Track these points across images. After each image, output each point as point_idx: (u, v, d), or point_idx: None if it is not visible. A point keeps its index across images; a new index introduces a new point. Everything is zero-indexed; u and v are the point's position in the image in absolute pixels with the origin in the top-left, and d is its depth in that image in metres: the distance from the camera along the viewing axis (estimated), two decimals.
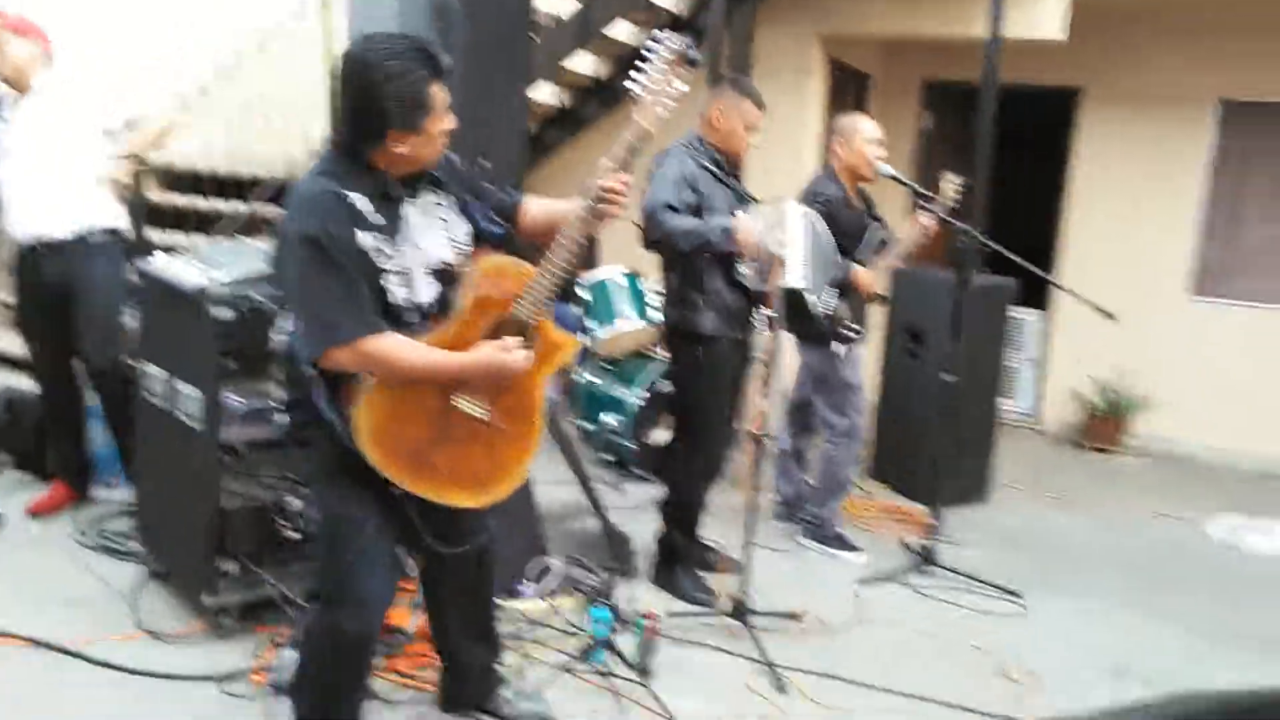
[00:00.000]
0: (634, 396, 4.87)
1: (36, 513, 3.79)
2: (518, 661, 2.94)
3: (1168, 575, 4.34)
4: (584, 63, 5.69)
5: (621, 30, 5.55)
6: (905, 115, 6.76)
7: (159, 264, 3.12)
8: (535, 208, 2.35)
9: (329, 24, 3.93)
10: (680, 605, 3.48)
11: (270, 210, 5.36)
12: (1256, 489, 5.86)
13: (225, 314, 2.80)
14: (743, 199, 3.51)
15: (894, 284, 4.79)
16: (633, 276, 5.05)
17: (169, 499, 3.14)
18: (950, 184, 3.94)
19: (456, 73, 3.24)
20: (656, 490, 4.75)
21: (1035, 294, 5.88)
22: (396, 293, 2.08)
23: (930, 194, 3.95)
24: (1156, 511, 5.22)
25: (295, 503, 3.09)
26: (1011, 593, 3.86)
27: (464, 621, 2.55)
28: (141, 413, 3.24)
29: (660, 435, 5.04)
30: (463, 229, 2.22)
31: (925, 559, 4.04)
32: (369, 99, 1.98)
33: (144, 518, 3.35)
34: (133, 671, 2.78)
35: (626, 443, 4.88)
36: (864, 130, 3.98)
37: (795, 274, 3.29)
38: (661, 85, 2.10)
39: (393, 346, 2.01)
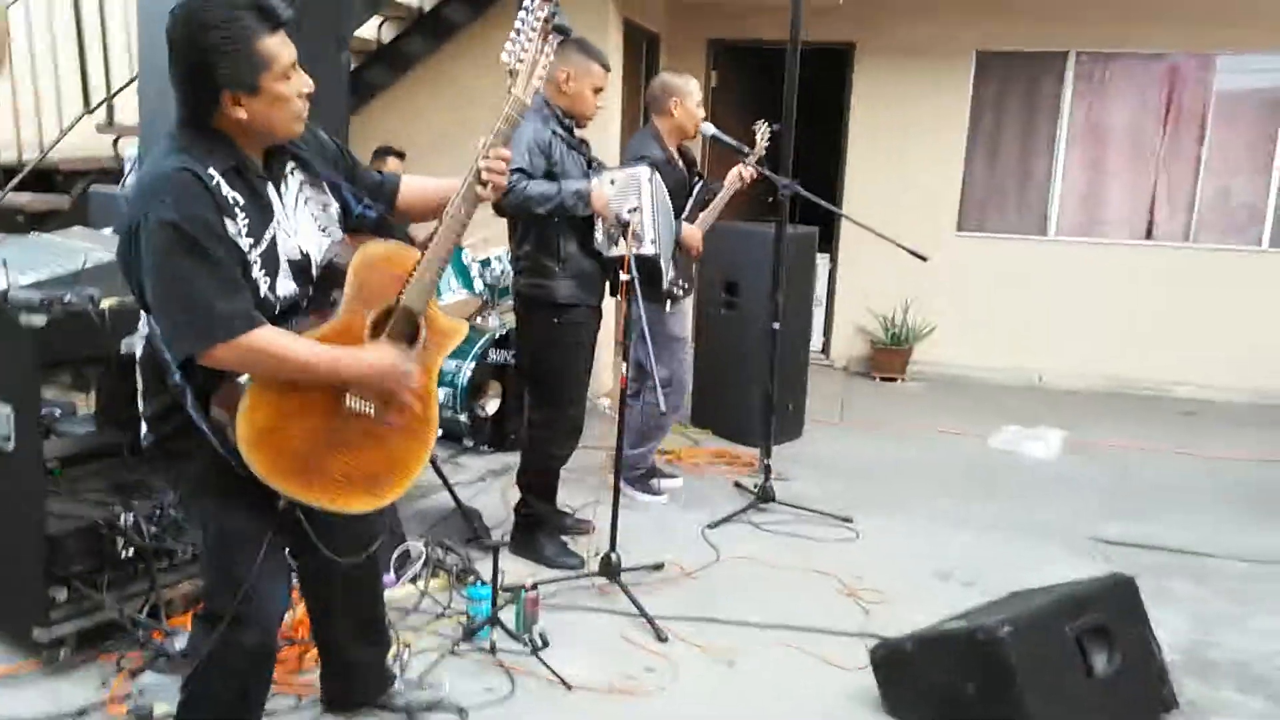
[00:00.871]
0: (464, 369, 4.78)
1: None
2: (398, 651, 2.86)
3: (966, 486, 4.81)
4: None
5: None
6: (694, 73, 6.90)
7: None
8: (412, 186, 2.24)
9: None
10: (547, 572, 3.50)
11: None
12: (1023, 402, 6.58)
13: (36, 320, 2.49)
14: (591, 164, 3.51)
15: (706, 239, 4.95)
16: (456, 248, 4.92)
17: None
18: (761, 134, 4.14)
19: None
20: (493, 461, 4.76)
21: (822, 240, 6.27)
22: (261, 284, 1.91)
23: (747, 148, 4.11)
24: (944, 430, 5.76)
25: (128, 517, 2.83)
26: (843, 519, 4.17)
27: (353, 623, 2.45)
28: None
29: (490, 405, 5.00)
30: (333, 213, 2.09)
31: (762, 497, 4.28)
32: (193, 57, 1.80)
33: None
34: None
35: (459, 415, 4.80)
36: (694, 91, 4.11)
37: (648, 240, 3.34)
38: (533, 55, 2.05)
39: (278, 341, 1.85)
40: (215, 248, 1.80)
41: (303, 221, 2.02)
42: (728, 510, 4.20)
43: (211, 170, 1.83)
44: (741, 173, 4.15)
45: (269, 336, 1.84)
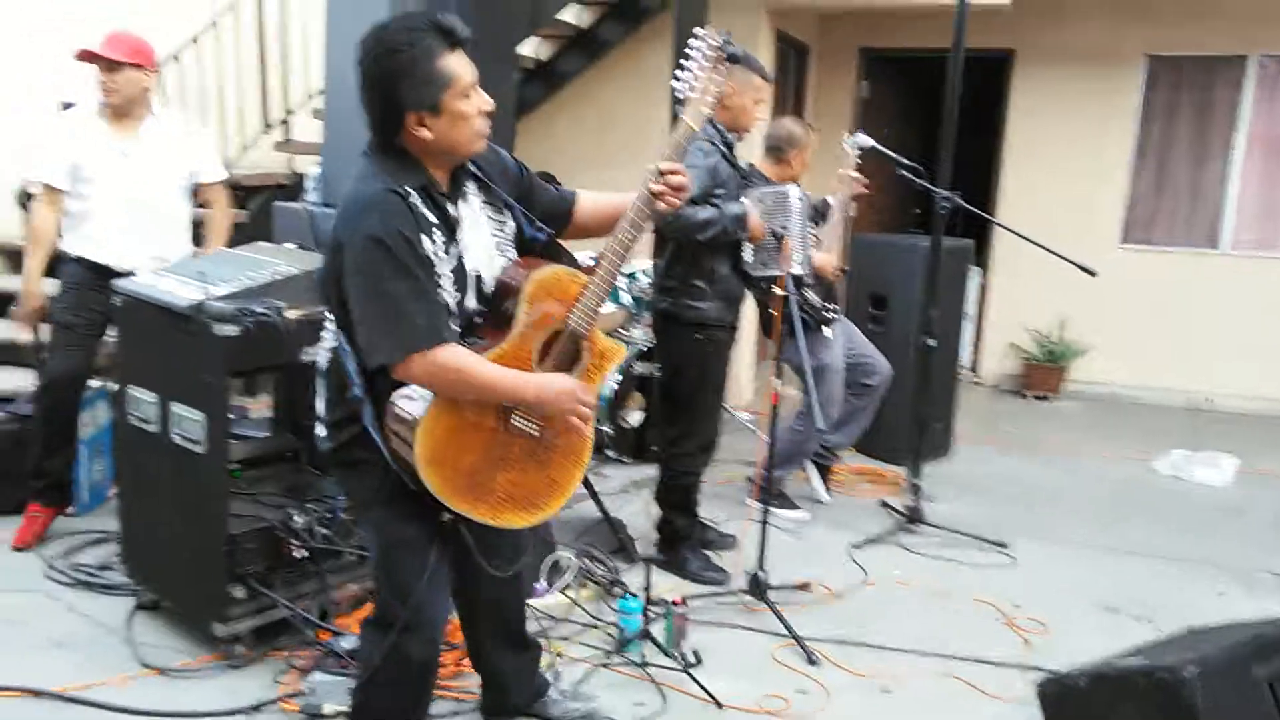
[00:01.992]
0: (609, 380, 4.83)
1: (21, 546, 3.62)
2: (551, 661, 2.91)
3: (1129, 512, 4.56)
4: (567, 12, 5.50)
5: None
6: (843, 84, 6.86)
7: (143, 282, 2.95)
8: (588, 201, 2.28)
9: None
10: (693, 586, 3.49)
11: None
12: (1188, 425, 6.18)
13: (228, 330, 2.66)
14: (746, 179, 3.52)
15: (853, 252, 4.88)
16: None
17: (165, 526, 2.98)
18: (851, 146, 4.06)
19: None
20: (634, 472, 4.80)
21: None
22: (451, 299, 1.98)
23: (911, 163, 4.02)
24: (1105, 452, 5.47)
25: (300, 519, 2.98)
26: (997, 544, 4.01)
27: (501, 632, 2.51)
28: (126, 438, 3.06)
29: (633, 417, 5.04)
30: (509, 232, 2.14)
31: (910, 518, 4.16)
32: (379, 81, 1.89)
33: (131, 547, 3.18)
34: (153, 714, 2.63)
35: (602, 426, 4.85)
36: (809, 150, 4.06)
37: (796, 260, 3.32)
38: (704, 83, 2.04)
39: (467, 359, 1.91)
40: (416, 265, 1.88)
41: (481, 240, 2.07)
42: (874, 530, 4.10)
43: (408, 188, 1.91)
44: (848, 175, 4.06)
45: (459, 354, 1.91)
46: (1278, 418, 6.43)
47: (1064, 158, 6.72)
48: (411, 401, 1.94)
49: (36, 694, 2.70)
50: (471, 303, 2.04)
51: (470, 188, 2.07)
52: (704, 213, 3.30)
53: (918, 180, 4.05)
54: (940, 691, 2.93)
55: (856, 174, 4.12)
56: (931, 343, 4.16)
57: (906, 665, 3.05)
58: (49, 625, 3.10)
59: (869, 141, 4.01)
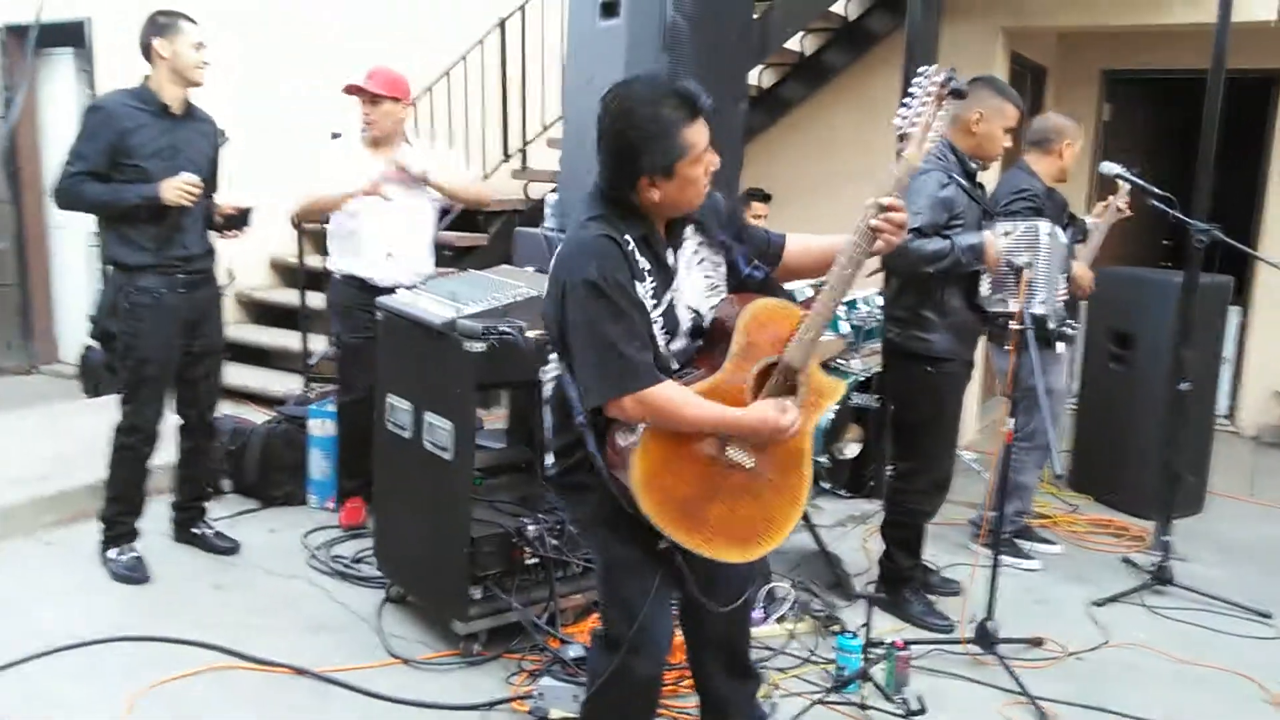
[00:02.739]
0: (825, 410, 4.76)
1: (349, 525, 4.06)
2: (769, 691, 2.89)
3: None
4: (793, 39, 5.57)
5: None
6: (1083, 107, 6.46)
7: (403, 299, 3.19)
8: (797, 244, 2.29)
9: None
10: (915, 630, 3.38)
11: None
12: None
13: (476, 347, 2.83)
14: (988, 213, 3.39)
15: (1096, 285, 4.57)
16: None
17: (414, 526, 3.20)
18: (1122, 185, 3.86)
19: None
20: (851, 507, 4.69)
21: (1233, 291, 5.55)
22: (661, 340, 2.06)
23: (1162, 193, 3.75)
24: None
25: (533, 528, 3.11)
26: (1260, 613, 3.63)
27: (724, 660, 2.51)
28: (383, 442, 3.32)
29: (850, 449, 4.94)
30: (723, 271, 2.20)
31: (1158, 577, 3.83)
32: (619, 143, 1.98)
33: (384, 543, 3.44)
34: (399, 701, 2.83)
35: (818, 457, 4.79)
36: (1080, 139, 3.94)
37: (1038, 300, 3.16)
38: (927, 119, 2.01)
39: (675, 397, 1.97)
40: (629, 308, 1.97)
41: (696, 280, 2.14)
42: (1117, 588, 3.81)
43: (627, 236, 2.00)
44: (1116, 205, 3.94)
45: (668, 393, 1.97)
46: None
47: None
48: (630, 433, 2.01)
49: (300, 672, 2.98)
50: (682, 343, 2.10)
51: (688, 231, 2.14)
52: (933, 244, 3.20)
53: (1171, 211, 3.77)
54: None
55: (1124, 206, 3.92)
56: (1185, 387, 3.85)
57: None
58: (312, 610, 3.40)
59: (1116, 169, 3.77)
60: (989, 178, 3.72)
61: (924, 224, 3.18)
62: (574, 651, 2.88)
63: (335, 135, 4.37)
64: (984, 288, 3.32)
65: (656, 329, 2.04)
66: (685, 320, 2.10)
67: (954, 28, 5.22)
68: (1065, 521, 4.63)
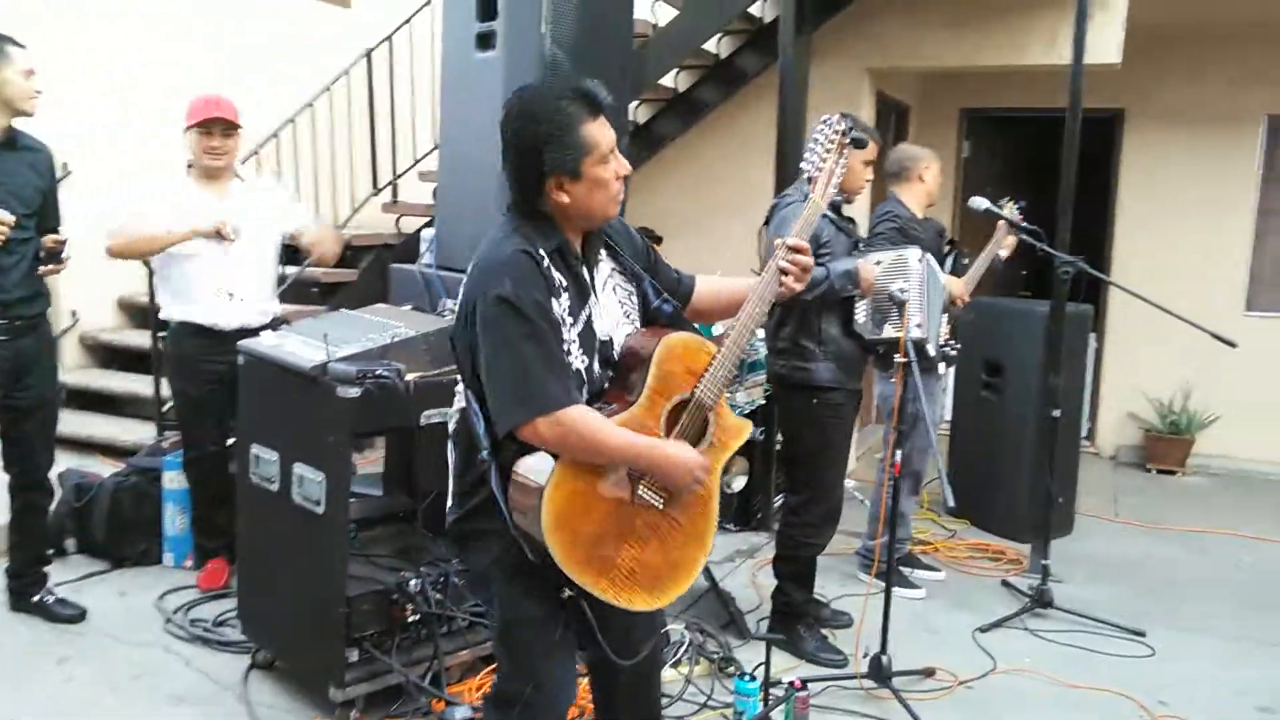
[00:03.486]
0: None
1: (208, 587, 3.76)
2: None
3: (1274, 599, 4.23)
4: (667, 76, 5.63)
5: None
6: (943, 143, 6.71)
7: (267, 342, 2.98)
8: (705, 289, 2.25)
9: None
10: (810, 668, 3.34)
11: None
12: None
13: (351, 392, 2.65)
14: (858, 244, 3.44)
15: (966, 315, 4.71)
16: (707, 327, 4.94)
17: (283, 586, 2.97)
18: (1009, 211, 3.98)
19: None
20: (739, 540, 4.66)
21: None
22: (577, 364, 1.94)
23: (1023, 223, 3.90)
24: (1241, 532, 5.13)
25: (415, 582, 2.93)
26: (1135, 632, 3.75)
27: (638, 717, 2.39)
28: (246, 496, 3.08)
29: (736, 483, 4.90)
30: (635, 302, 2.11)
31: (1038, 600, 3.92)
32: (521, 143, 1.90)
33: (249, 605, 3.18)
34: None
35: None
36: (936, 160, 4.07)
37: (914, 324, 3.20)
38: (831, 165, 2.11)
39: (593, 420, 1.87)
40: (545, 327, 1.85)
41: (609, 307, 2.04)
42: (999, 612, 3.88)
43: (542, 251, 1.90)
44: (1004, 240, 4.06)
45: (586, 416, 1.85)
46: None
47: (1180, 220, 6.45)
48: (537, 470, 1.88)
49: None
50: (598, 368, 1.99)
51: (603, 254, 2.06)
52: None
53: (1039, 245, 3.91)
54: None
55: (1006, 250, 4.08)
56: (1056, 413, 3.98)
57: None
58: (170, 681, 3.12)
59: (984, 204, 3.88)
60: (861, 214, 3.80)
61: None
62: (461, 713, 2.71)
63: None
64: (860, 315, 3.36)
65: (574, 349, 1.93)
66: (599, 345, 2.00)
67: (822, 66, 5.35)
68: (945, 547, 4.72)
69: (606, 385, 2.03)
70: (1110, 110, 6.53)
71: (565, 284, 1.93)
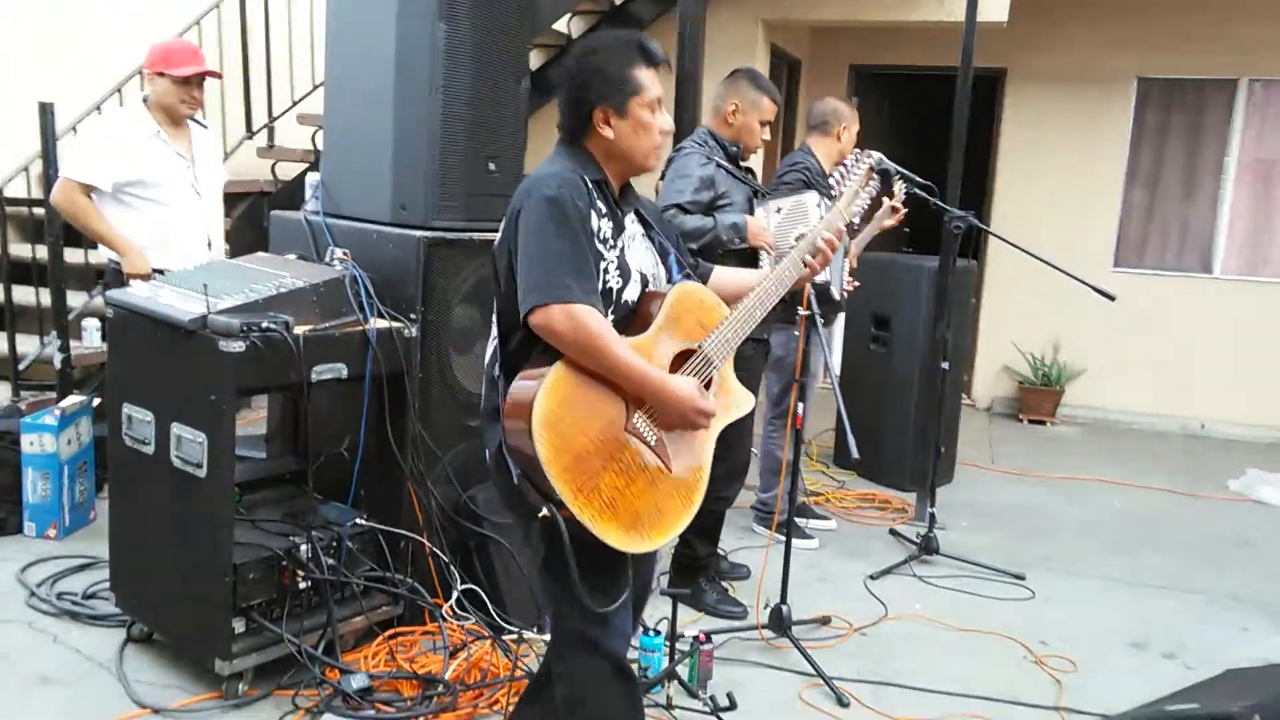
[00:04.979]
0: None
1: None
2: None
3: (1142, 542, 4.49)
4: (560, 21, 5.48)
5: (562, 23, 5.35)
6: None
7: (139, 293, 2.76)
8: (719, 277, 2.27)
9: None
10: (711, 621, 3.35)
11: None
12: (1185, 449, 6.17)
13: (234, 347, 2.48)
14: (757, 193, 3.42)
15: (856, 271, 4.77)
16: None
17: (161, 554, 2.78)
18: (899, 189, 4.05)
19: (467, 75, 3.03)
20: None
21: None
22: (611, 283, 1.99)
23: (920, 180, 3.94)
24: (1110, 478, 5.42)
25: (305, 547, 2.80)
26: (1016, 575, 3.91)
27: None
28: (119, 459, 2.86)
29: None
30: (660, 273, 2.15)
31: (925, 548, 4.05)
32: (575, 73, 2.02)
33: (122, 575, 2.97)
34: None
35: None
36: (856, 122, 4.12)
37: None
38: (855, 186, 2.32)
39: (606, 328, 1.87)
40: (582, 232, 1.92)
41: (645, 251, 2.12)
42: (888, 560, 3.99)
43: (587, 178, 1.99)
44: (894, 206, 4.12)
45: (600, 321, 1.87)
46: (1271, 444, 6.44)
47: (1056, 178, 6.72)
48: (537, 375, 1.86)
49: None
50: (634, 294, 2.03)
51: (632, 216, 2.12)
52: (693, 220, 3.24)
53: (932, 200, 3.97)
54: None
55: (898, 206, 4.08)
56: (945, 365, 4.08)
57: (938, 707, 2.92)
58: (36, 660, 2.88)
59: (890, 165, 3.89)
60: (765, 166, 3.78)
61: (685, 201, 3.24)
62: (357, 681, 2.62)
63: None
64: (764, 266, 3.35)
65: (612, 269, 1.98)
66: (636, 275, 2.04)
67: (718, 15, 5.29)
68: (835, 498, 4.82)
69: (627, 315, 2.06)
70: (993, 70, 6.70)
71: (605, 210, 2.00)
